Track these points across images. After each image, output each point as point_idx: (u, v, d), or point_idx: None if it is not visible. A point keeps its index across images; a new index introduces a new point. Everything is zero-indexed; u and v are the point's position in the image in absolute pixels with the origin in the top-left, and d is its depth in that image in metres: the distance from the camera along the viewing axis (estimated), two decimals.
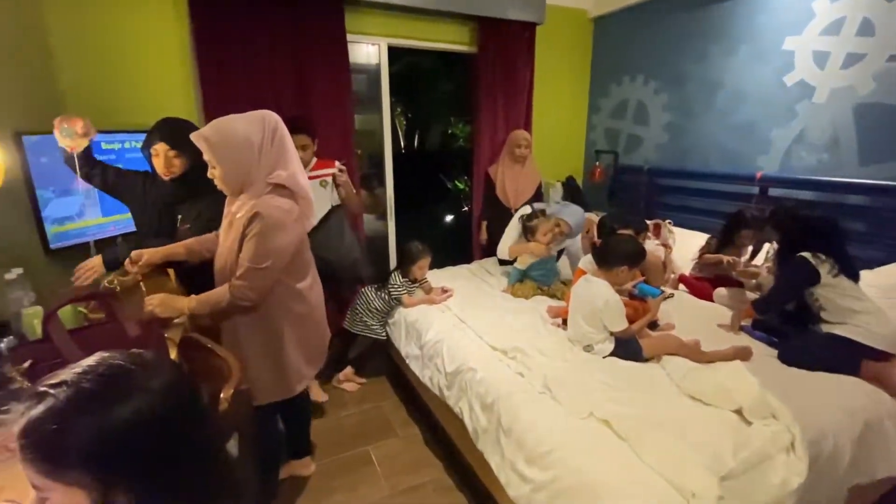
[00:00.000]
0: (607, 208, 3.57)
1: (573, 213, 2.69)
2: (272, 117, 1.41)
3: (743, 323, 2.12)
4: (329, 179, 2.37)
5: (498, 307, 2.33)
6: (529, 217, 2.68)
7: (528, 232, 2.65)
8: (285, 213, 1.40)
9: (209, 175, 1.41)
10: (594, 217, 3.11)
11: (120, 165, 1.92)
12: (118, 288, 1.52)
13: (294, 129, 1.79)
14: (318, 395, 2.49)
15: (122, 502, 0.53)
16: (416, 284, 2.63)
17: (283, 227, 1.38)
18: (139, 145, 2.20)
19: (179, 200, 1.76)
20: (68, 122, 1.61)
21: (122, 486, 0.53)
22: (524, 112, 3.46)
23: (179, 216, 1.77)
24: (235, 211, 1.42)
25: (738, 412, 1.44)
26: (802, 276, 1.84)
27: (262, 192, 1.39)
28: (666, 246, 2.81)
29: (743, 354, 1.79)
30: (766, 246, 2.49)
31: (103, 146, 2.07)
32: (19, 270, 1.49)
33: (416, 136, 6.31)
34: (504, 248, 2.81)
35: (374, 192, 4.09)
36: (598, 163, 3.69)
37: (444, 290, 2.60)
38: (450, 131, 6.18)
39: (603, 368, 1.72)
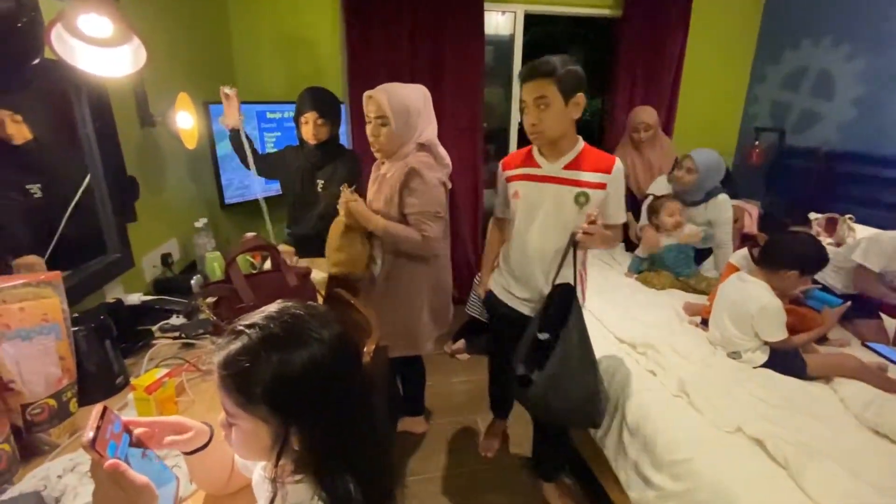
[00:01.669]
0: (763, 196, 3.08)
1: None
2: (426, 90, 1.58)
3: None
4: (590, 194, 1.35)
5: (625, 297, 2.16)
6: (657, 198, 2.38)
7: (651, 213, 2.36)
8: (435, 168, 1.54)
9: (372, 135, 1.52)
10: (744, 205, 2.70)
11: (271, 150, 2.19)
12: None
13: (542, 74, 1.26)
14: None
15: (294, 442, 0.58)
16: None
17: (438, 180, 1.53)
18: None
19: (319, 166, 1.93)
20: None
21: (295, 425, 0.57)
22: (670, 84, 3.09)
23: (320, 181, 1.93)
24: (385, 172, 1.56)
25: None
26: None
27: (410, 153, 1.52)
28: (840, 246, 2.34)
29: None
30: None
31: (268, 115, 2.33)
32: (205, 220, 1.76)
33: None
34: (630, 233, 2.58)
35: (490, 166, 4.07)
36: (757, 142, 3.18)
37: None
38: None
39: (755, 380, 1.50)
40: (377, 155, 1.60)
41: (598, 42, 4.10)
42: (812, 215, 2.58)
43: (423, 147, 1.54)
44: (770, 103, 3.23)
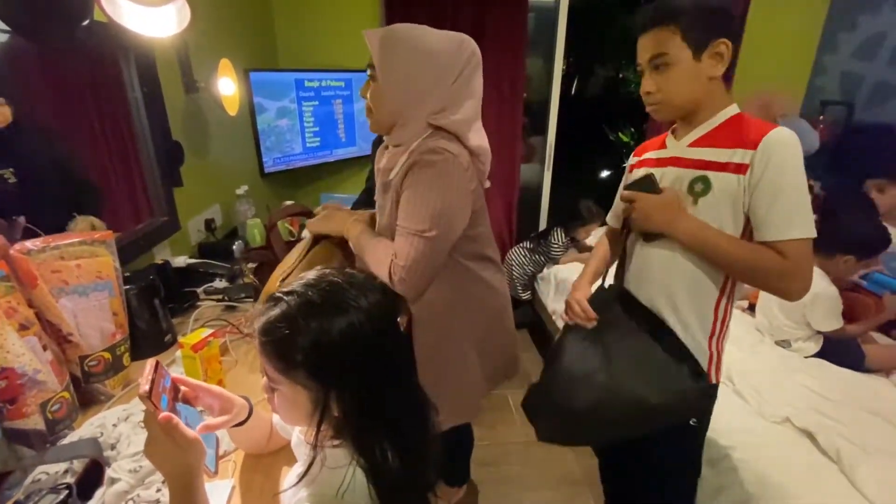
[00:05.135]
0: (823, 177, 2.85)
1: None
2: (472, 44, 0.99)
3: None
4: (712, 180, 0.90)
5: None
6: None
7: None
8: (452, 158, 0.94)
9: (363, 95, 1.02)
10: None
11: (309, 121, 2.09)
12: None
13: (660, 21, 0.88)
14: None
15: (334, 408, 0.57)
16: (574, 243, 2.49)
17: (449, 175, 0.94)
18: (334, 83, 2.42)
19: None
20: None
21: (333, 392, 0.57)
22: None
23: None
24: (387, 166, 1.01)
25: None
26: None
27: (418, 136, 0.97)
28: None
29: None
30: None
31: (306, 84, 2.31)
32: (245, 187, 1.79)
33: (576, 82, 5.81)
34: None
35: (527, 140, 3.97)
36: (822, 117, 2.93)
37: None
38: (620, 76, 5.54)
39: (805, 370, 1.42)
40: (372, 129, 1.06)
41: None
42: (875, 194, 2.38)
43: (439, 131, 0.96)
44: (840, 75, 2.95)
